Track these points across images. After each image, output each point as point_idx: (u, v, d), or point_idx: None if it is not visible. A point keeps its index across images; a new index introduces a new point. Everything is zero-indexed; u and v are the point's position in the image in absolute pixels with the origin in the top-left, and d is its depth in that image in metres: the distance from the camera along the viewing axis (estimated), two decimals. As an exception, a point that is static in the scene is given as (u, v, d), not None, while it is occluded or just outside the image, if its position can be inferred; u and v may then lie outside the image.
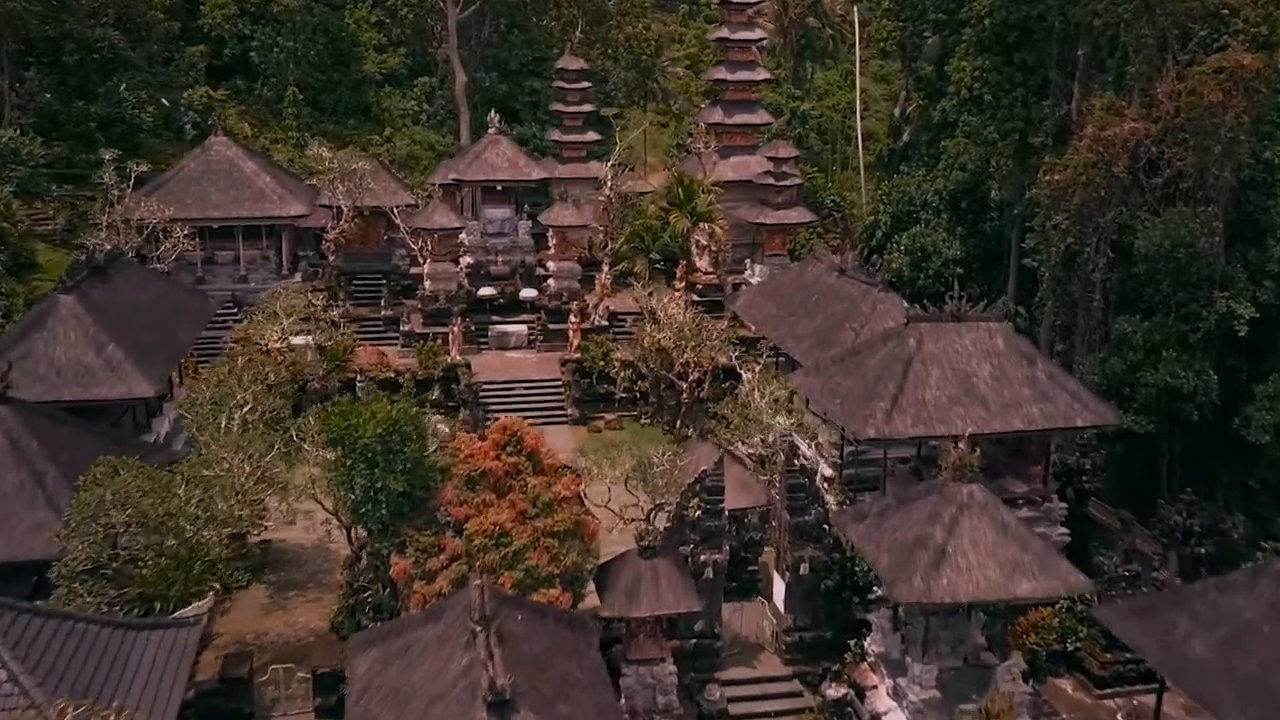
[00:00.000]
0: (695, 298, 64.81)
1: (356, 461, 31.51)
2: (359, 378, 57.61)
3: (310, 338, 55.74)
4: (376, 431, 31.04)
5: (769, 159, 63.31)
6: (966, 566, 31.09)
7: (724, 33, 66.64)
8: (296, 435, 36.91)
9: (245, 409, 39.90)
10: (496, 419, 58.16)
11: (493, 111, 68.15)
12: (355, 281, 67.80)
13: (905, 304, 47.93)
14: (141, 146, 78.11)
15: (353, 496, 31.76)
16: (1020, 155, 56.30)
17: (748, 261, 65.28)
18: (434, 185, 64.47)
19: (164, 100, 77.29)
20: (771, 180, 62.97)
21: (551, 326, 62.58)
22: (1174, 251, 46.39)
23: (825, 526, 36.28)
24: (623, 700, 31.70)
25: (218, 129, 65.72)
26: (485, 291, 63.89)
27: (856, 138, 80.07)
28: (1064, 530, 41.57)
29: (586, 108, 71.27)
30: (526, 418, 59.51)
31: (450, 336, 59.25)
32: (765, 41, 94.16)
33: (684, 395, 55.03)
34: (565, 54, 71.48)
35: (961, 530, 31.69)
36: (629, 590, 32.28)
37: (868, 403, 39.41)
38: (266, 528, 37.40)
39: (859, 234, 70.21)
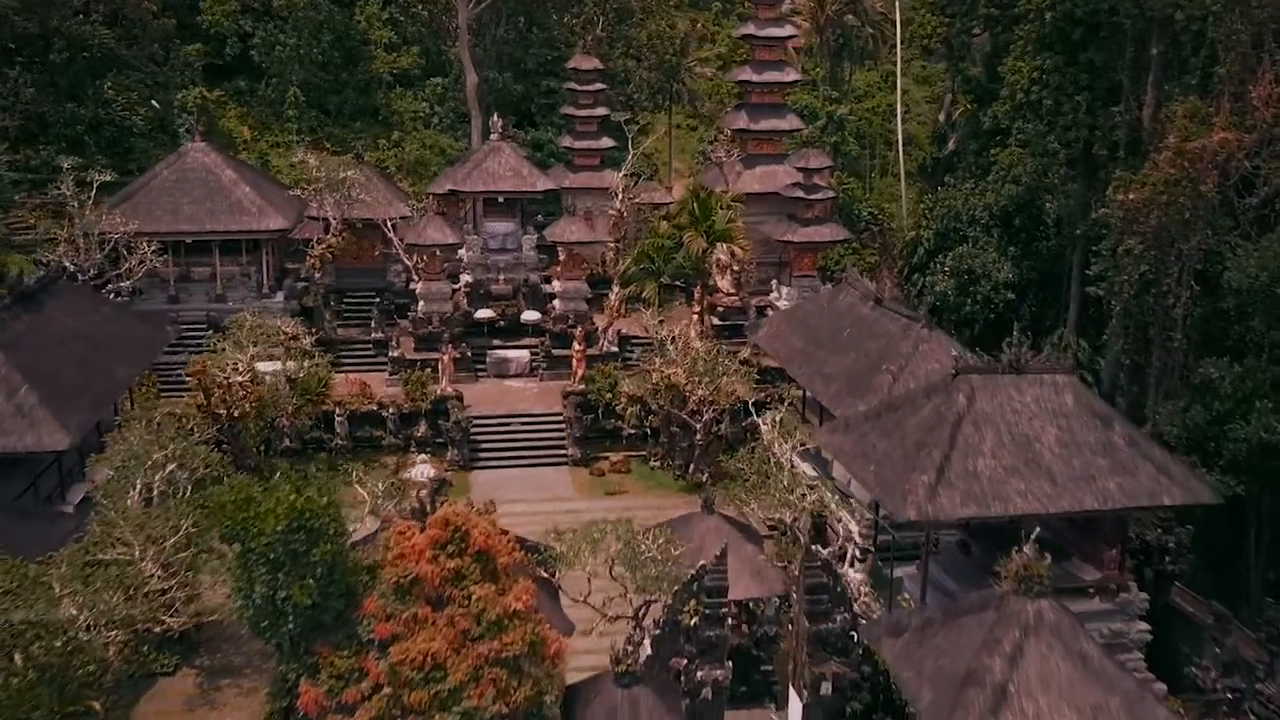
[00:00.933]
0: (715, 321, 57.26)
1: (256, 564, 24.21)
2: (337, 411, 50.62)
3: (281, 365, 48.81)
4: (277, 529, 23.70)
5: (799, 169, 55.48)
6: (1034, 714, 23.40)
7: (751, 29, 58.81)
8: (195, 524, 29.68)
9: (162, 472, 32.79)
10: (488, 458, 53.24)
11: (495, 115, 60.83)
12: (347, 300, 60.78)
13: (953, 344, 40.17)
14: (133, 151, 71.53)
15: (250, 608, 24.44)
16: (1084, 168, 48.24)
17: (774, 282, 57.51)
18: (429, 196, 57.18)
19: (154, 102, 70.60)
20: (801, 193, 55.12)
21: (556, 352, 55.20)
22: (1272, 285, 38.31)
23: (853, 636, 28.61)
24: None
25: (195, 134, 58.71)
26: (483, 314, 56.61)
27: (897, 144, 71.96)
28: (1144, 627, 33.65)
29: (600, 111, 63.76)
30: (521, 458, 52.87)
31: (440, 364, 52.01)
32: (798, 40, 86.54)
33: (698, 436, 47.52)
34: (578, 52, 63.91)
35: (1027, 663, 23.97)
36: (601, 732, 24.83)
37: (908, 474, 31.66)
38: (169, 624, 30.28)
39: (898, 251, 62.28)
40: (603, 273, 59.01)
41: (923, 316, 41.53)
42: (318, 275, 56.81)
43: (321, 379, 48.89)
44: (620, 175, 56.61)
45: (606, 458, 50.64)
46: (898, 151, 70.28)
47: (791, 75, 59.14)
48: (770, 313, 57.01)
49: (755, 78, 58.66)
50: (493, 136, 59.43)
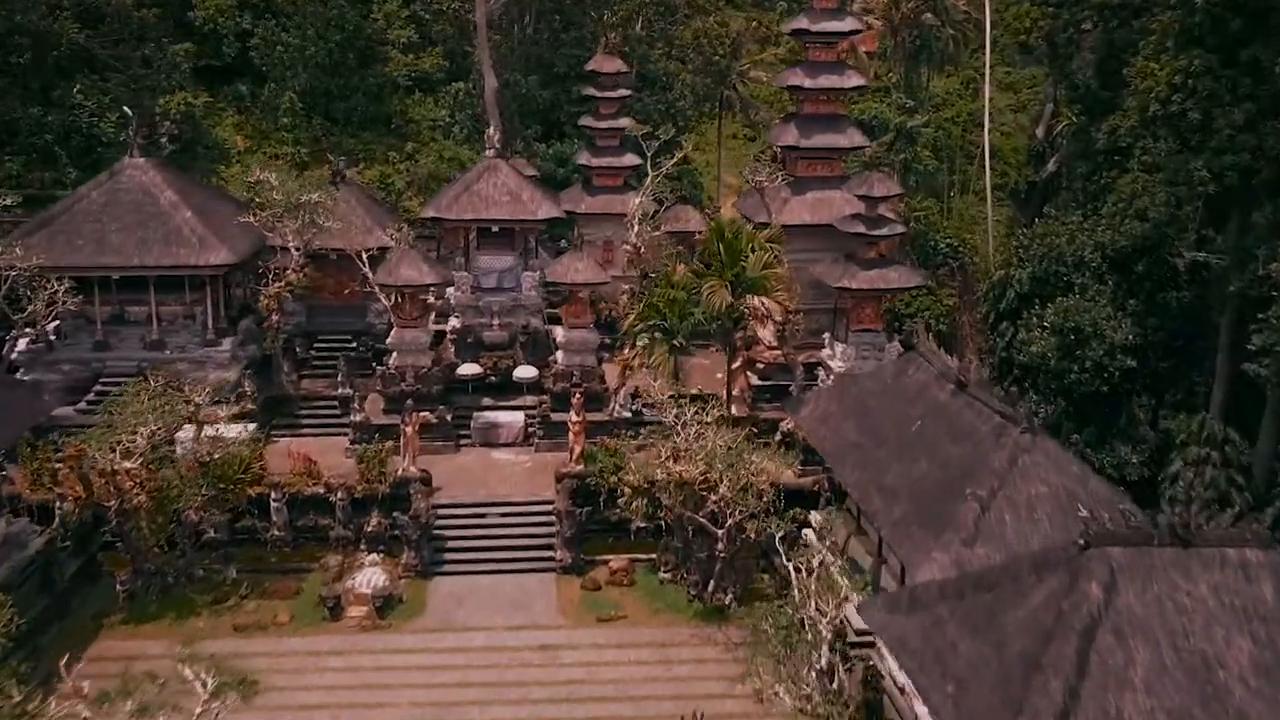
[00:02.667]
0: (753, 379, 44.57)
1: None
2: (273, 495, 39.01)
3: (204, 432, 37.55)
4: None
5: (860, 197, 42.39)
6: None
7: (804, 23, 45.64)
8: None
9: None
10: (455, 561, 37.67)
11: (491, 127, 48.74)
12: (319, 344, 49.15)
13: (1068, 460, 27.26)
14: (102, 163, 60.34)
15: None
16: (1241, 203, 34.68)
17: (827, 336, 44.51)
18: (403, 226, 45.27)
19: (125, 108, 59.62)
20: (862, 227, 42.02)
21: (556, 417, 43.05)
22: None
23: None
24: None
25: (133, 148, 47.41)
26: (467, 370, 44.51)
27: (983, 163, 58.37)
28: None
29: (624, 122, 51.33)
30: (498, 560, 40.62)
31: (403, 436, 40.10)
32: (869, 42, 73.37)
33: (720, 546, 35.08)
34: (599, 51, 51.42)
35: None
36: None
37: (1012, 717, 18.90)
38: None
39: (983, 293, 48.95)
40: (621, 317, 46.49)
41: (1024, 415, 28.45)
42: (275, 318, 45.23)
43: (242, 460, 37.15)
44: (637, 201, 44.11)
45: (606, 562, 38.41)
46: (984, 172, 56.67)
47: (853, 79, 45.92)
48: (821, 373, 44.13)
49: (808, 82, 45.49)
50: (487, 153, 47.28)
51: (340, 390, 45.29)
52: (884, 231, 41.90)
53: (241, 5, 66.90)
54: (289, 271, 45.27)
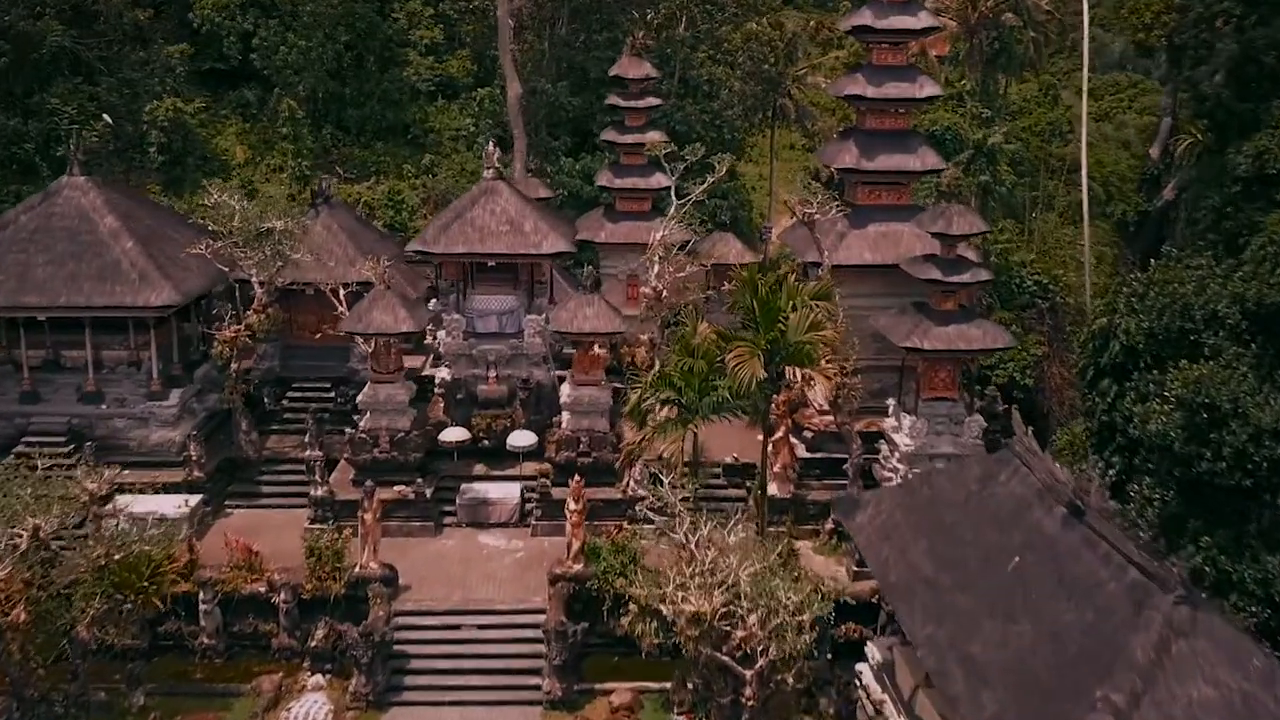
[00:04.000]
0: (800, 449, 35.59)
1: None
2: (203, 595, 30.87)
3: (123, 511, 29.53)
4: None
5: (936, 236, 33.02)
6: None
7: (866, 18, 36.14)
8: None
9: None
10: (417, 688, 28.47)
11: (490, 143, 39.96)
12: (293, 393, 40.94)
13: (1251, 649, 17.96)
14: (88, 175, 53.39)
15: None
16: None
17: (892, 403, 35.19)
18: (379, 260, 36.69)
19: (104, 116, 52.14)
20: (938, 273, 32.61)
21: (558, 492, 34.46)
22: None
23: None
24: None
25: (73, 165, 39.56)
26: (452, 435, 35.89)
27: (1074, 180, 48.49)
28: None
29: (652, 137, 42.36)
30: (471, 689, 31.20)
31: (362, 524, 31.66)
32: (939, 45, 64.02)
33: (748, 692, 26.15)
34: (625, 54, 42.47)
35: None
36: None
37: None
38: None
39: (1080, 344, 39.33)
40: (641, 368, 37.49)
41: (1175, 578, 19.08)
42: (234, 368, 37.03)
43: (154, 562, 28.87)
44: (658, 235, 35.13)
45: (607, 693, 29.76)
46: (1074, 190, 46.73)
47: (927, 87, 36.27)
48: (884, 447, 34.89)
49: (870, 91, 35.97)
50: (486, 174, 38.63)
51: (309, 453, 37.04)
52: (965, 278, 32.46)
53: (244, 4, 58.98)
54: (249, 312, 37.12)
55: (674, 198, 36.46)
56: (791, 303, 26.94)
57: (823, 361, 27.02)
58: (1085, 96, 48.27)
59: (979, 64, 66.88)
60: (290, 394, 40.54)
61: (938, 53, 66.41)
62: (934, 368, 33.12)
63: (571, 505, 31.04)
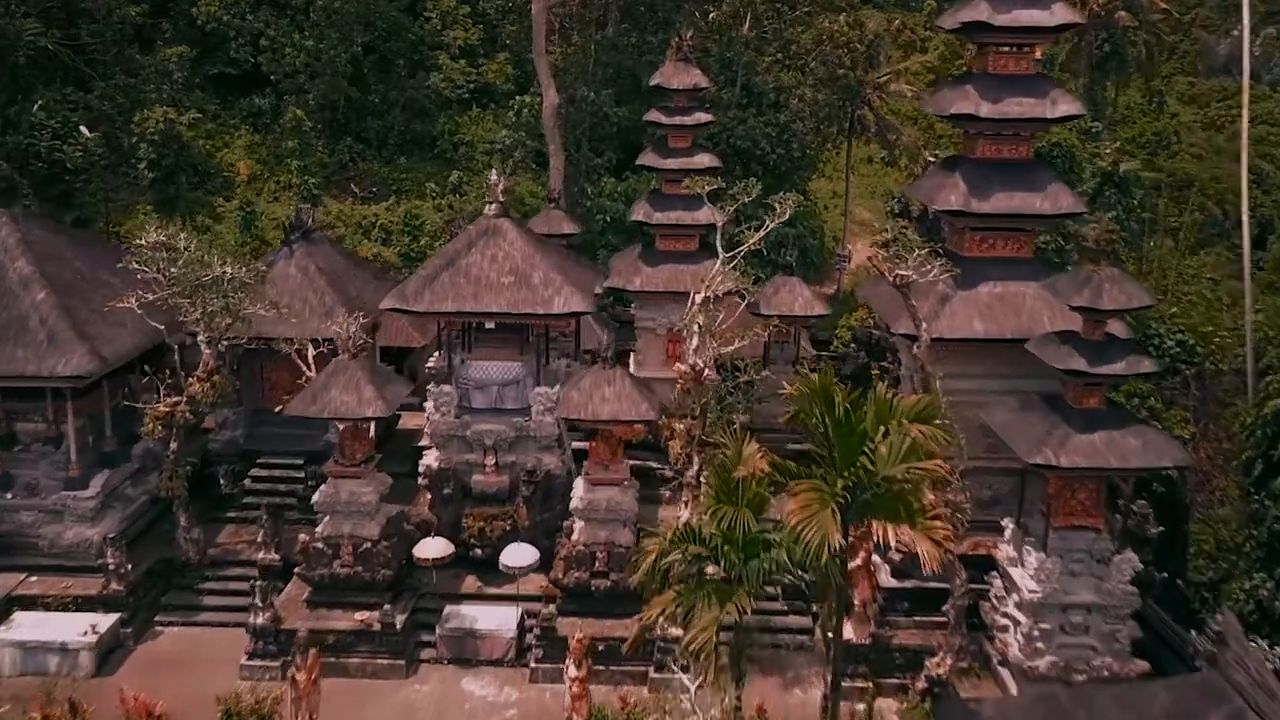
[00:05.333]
0: (885, 576, 26.28)
1: None
2: (84, 774, 22.47)
3: None
4: None
5: (1080, 309, 23.20)
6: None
7: (980, 12, 26.16)
8: None
9: None
10: None
11: (493, 172, 30.98)
12: (258, 471, 32.56)
13: None
14: (72, 196, 45.86)
15: None
16: None
17: (1010, 526, 25.59)
18: (351, 321, 28.04)
19: (82, 128, 44.45)
20: (1083, 361, 22.82)
21: (565, 624, 25.75)
22: None
23: None
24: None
25: (-12, 193, 31.60)
26: (429, 550, 27.06)
27: (1224, 207, 38.18)
28: None
29: (701, 160, 33.08)
30: None
31: (293, 686, 23.06)
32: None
33: None
34: (669, 58, 33.25)
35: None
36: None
37: None
38: None
39: (1240, 426, 29.44)
40: (681, 453, 28.17)
41: None
42: (171, 448, 28.73)
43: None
44: (698, 299, 25.77)
45: None
46: (1242, 237, 36.30)
47: (1063, 105, 26.01)
48: (997, 581, 25.43)
49: (985, 109, 26.02)
50: (489, 209, 29.74)
51: (262, 556, 28.74)
52: (1119, 369, 22.72)
53: (253, 1, 51.00)
54: (192, 379, 28.79)
55: (719, 248, 27.09)
56: (882, 426, 17.61)
57: (929, 513, 17.61)
58: (1245, 108, 37.39)
59: (1086, 68, 56.74)
60: (255, 472, 32.17)
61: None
62: (1072, 486, 23.49)
63: (572, 672, 22.17)
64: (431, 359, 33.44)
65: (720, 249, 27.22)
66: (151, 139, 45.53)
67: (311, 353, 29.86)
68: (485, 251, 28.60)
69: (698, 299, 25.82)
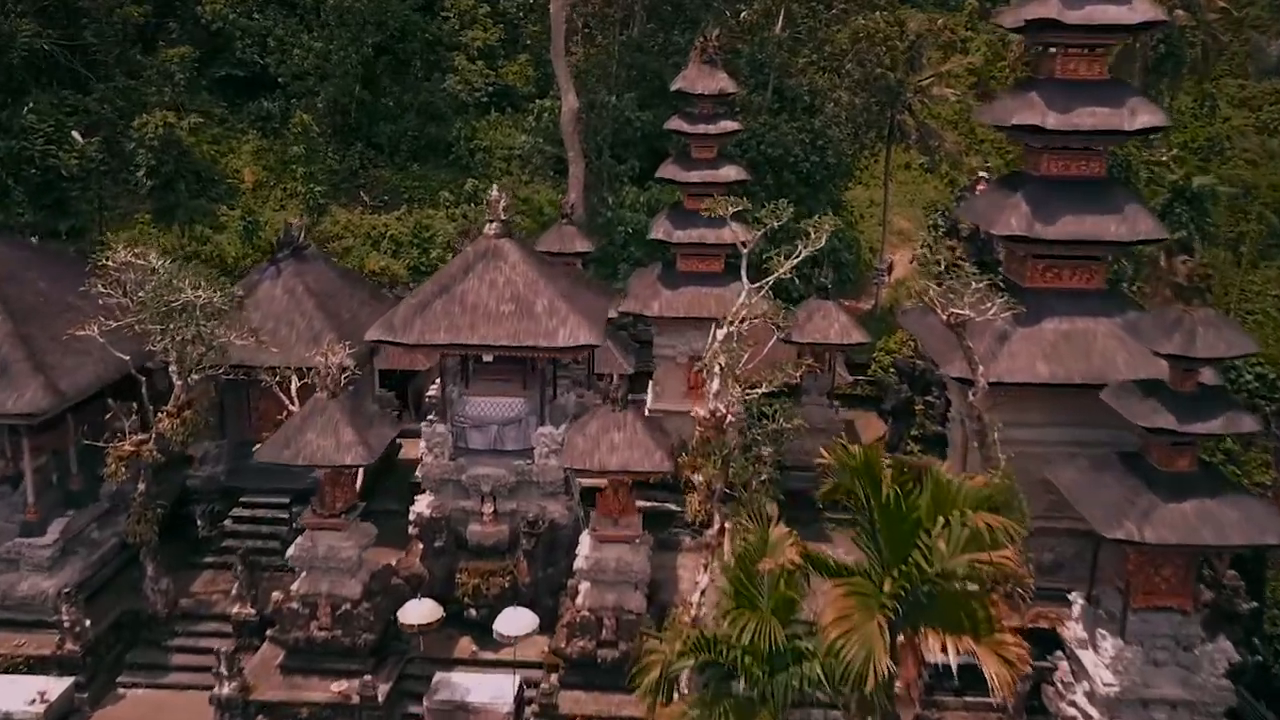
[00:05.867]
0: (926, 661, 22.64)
1: None
2: None
3: None
4: None
5: (1168, 358, 19.50)
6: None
7: (1048, 9, 22.35)
8: None
9: None
10: None
11: (494, 188, 27.51)
12: (241, 511, 29.43)
13: None
14: (67, 204, 43.08)
15: None
16: None
17: (1078, 602, 21.80)
18: (337, 351, 24.83)
19: (74, 133, 41.63)
20: (1171, 418, 19.06)
21: (568, 700, 22.44)
22: None
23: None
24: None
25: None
26: (414, 616, 23.63)
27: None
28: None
29: (729, 174, 29.59)
30: None
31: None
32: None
33: None
34: (692, 60, 29.77)
35: None
36: None
37: None
38: None
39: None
40: (702, 502, 24.69)
41: None
42: (140, 489, 25.66)
43: None
44: (719, 335, 22.17)
45: None
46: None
47: (1143, 115, 22.06)
48: (1064, 663, 21.78)
49: (1053, 120, 22.08)
50: (489, 228, 26.39)
51: (236, 610, 25.66)
52: (1215, 427, 19.03)
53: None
54: (161, 414, 25.71)
55: (743, 278, 23.53)
56: (941, 515, 14.12)
57: (997, 622, 14.11)
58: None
59: (1140, 71, 52.64)
60: (237, 512, 29.07)
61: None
62: (1155, 562, 19.84)
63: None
64: (433, 386, 30.26)
65: (746, 275, 23.63)
66: (151, 144, 42.66)
67: (296, 384, 26.73)
68: (484, 276, 25.28)
69: (719, 335, 22.26)
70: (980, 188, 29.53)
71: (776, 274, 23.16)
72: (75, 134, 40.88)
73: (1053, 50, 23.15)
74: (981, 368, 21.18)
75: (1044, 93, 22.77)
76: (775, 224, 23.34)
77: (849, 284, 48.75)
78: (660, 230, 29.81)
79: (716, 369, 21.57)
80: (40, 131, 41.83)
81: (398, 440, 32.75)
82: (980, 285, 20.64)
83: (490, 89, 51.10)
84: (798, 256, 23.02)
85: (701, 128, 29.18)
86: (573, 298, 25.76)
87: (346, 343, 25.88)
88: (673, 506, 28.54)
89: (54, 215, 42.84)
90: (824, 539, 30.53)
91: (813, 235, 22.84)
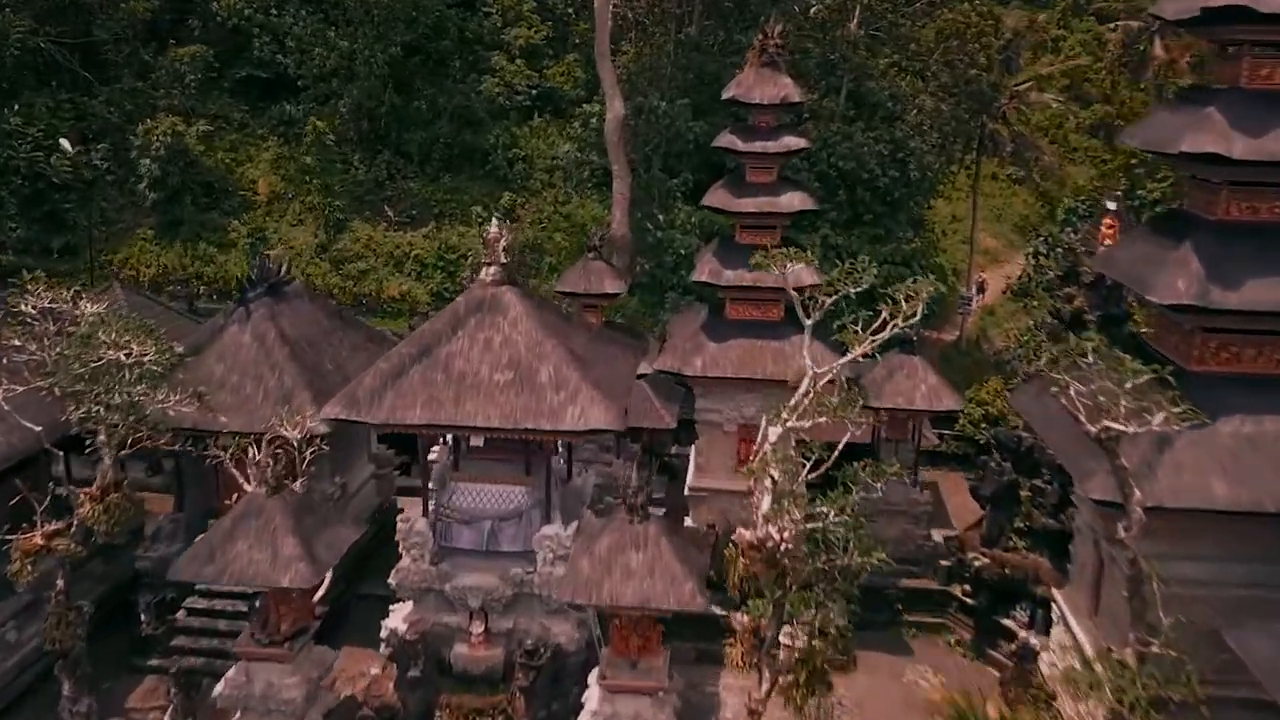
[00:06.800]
0: None
1: None
2: None
3: None
4: None
5: None
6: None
7: None
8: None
9: None
10: None
11: (494, 221, 21.70)
12: (196, 602, 24.05)
13: None
14: (60, 218, 38.58)
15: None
16: None
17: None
18: (307, 414, 19.39)
19: (62, 140, 36.83)
20: None
21: None
22: None
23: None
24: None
25: None
26: (370, 781, 18.21)
27: None
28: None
29: (792, 201, 23.41)
30: None
31: None
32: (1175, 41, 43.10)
33: None
34: (750, 61, 23.66)
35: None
36: None
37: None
38: None
39: None
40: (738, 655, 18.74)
41: None
42: (58, 586, 20.43)
43: None
44: (775, 430, 16.02)
45: None
46: None
47: None
48: None
49: (1241, 148, 15.47)
50: (486, 273, 20.55)
51: (169, 745, 20.29)
52: None
53: (281, -5, 42.92)
54: (83, 497, 20.41)
55: (807, 339, 17.23)
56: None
57: None
58: None
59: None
60: (192, 602, 23.74)
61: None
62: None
63: None
64: (435, 447, 24.58)
65: (806, 341, 17.41)
66: (156, 153, 37.84)
67: (257, 456, 21.24)
68: (476, 335, 19.50)
69: (771, 435, 16.13)
70: (1108, 226, 22.96)
71: (854, 353, 16.87)
72: (64, 141, 36.17)
73: (1236, 50, 16.55)
74: (1137, 492, 14.81)
75: (1227, 109, 16.16)
76: (852, 289, 17.03)
77: (932, 316, 42.28)
78: (705, 270, 23.72)
79: (768, 483, 15.45)
80: (28, 137, 37.29)
81: (393, 497, 27.49)
82: (1139, 378, 14.23)
83: (533, 91, 45.50)
84: (886, 333, 16.70)
85: (759, 145, 23.03)
86: (590, 362, 19.85)
87: (308, 412, 20.30)
88: (717, 610, 22.59)
89: (47, 230, 38.36)
90: (902, 648, 24.52)
91: (904, 305, 16.55)
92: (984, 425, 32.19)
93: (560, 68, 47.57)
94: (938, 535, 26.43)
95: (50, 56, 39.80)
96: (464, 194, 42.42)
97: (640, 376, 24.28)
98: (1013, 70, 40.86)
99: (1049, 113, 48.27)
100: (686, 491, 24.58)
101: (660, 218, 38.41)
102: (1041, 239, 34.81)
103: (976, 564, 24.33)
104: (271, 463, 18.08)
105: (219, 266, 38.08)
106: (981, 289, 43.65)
